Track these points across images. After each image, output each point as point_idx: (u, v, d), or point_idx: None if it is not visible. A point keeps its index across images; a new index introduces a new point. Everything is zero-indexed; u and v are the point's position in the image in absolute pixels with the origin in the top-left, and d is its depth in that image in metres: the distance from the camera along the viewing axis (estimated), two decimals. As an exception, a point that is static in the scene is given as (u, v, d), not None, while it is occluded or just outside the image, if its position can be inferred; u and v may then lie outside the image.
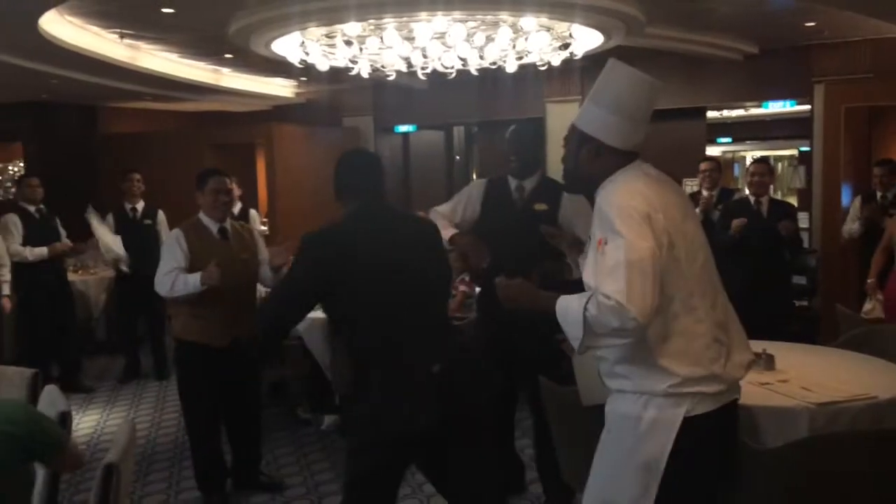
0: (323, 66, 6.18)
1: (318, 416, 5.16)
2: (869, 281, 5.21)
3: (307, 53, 6.01)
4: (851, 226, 5.98)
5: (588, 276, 2.13)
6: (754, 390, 3.07)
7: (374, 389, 2.50)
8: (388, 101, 9.55)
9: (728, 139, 12.98)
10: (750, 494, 2.69)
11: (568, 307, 2.05)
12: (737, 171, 14.11)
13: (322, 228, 2.82)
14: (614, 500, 2.17)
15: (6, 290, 5.49)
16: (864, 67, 6.83)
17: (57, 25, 5.72)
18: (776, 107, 8.81)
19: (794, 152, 12.55)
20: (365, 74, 6.34)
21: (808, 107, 7.52)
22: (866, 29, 6.41)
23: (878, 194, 6.00)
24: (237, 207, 6.60)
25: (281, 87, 9.77)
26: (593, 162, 2.20)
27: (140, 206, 6.34)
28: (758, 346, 3.49)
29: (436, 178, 10.94)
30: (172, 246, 3.80)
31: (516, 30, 5.67)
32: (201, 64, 8.12)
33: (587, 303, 1.99)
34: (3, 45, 6.11)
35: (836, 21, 6.18)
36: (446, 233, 3.47)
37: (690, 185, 8.47)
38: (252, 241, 4.08)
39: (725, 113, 10.96)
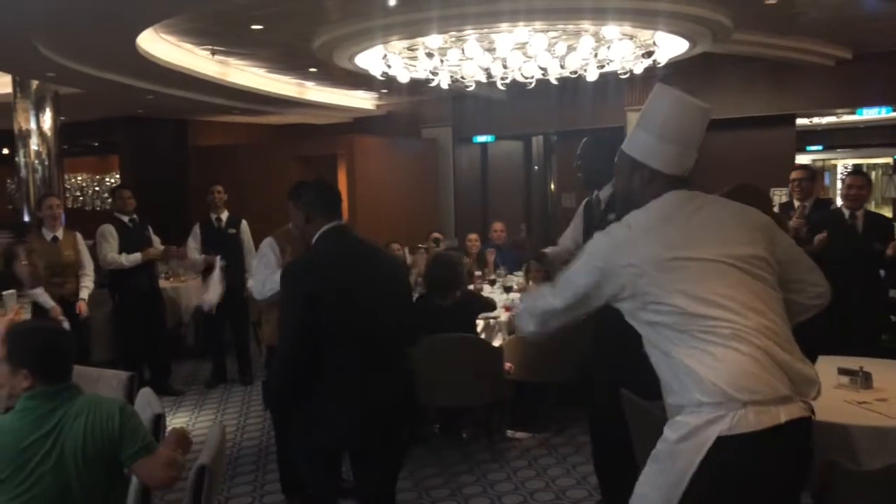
0: (404, 78, 6.28)
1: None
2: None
3: (389, 66, 6.12)
4: None
5: None
6: (851, 409, 2.96)
7: (318, 402, 2.70)
8: (467, 112, 9.61)
9: (819, 147, 12.50)
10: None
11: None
12: (828, 179, 13.59)
13: (298, 260, 3.02)
14: None
15: (85, 294, 5.75)
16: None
17: (153, 43, 6.00)
18: (870, 113, 8.43)
19: (889, 160, 12.00)
20: (445, 86, 6.41)
21: None
22: (971, 30, 6.10)
23: None
24: (224, 214, 6.49)
25: (362, 100, 9.97)
26: (646, 188, 2.17)
27: (224, 216, 6.54)
28: (854, 363, 3.36)
29: (514, 187, 10.94)
30: (266, 253, 3.91)
31: (598, 38, 5.63)
32: (286, 78, 8.37)
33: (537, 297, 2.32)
34: (105, 64, 6.44)
35: (937, 23, 5.90)
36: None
37: (779, 195, 8.20)
38: None
39: (816, 120, 10.56)
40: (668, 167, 2.15)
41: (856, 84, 7.29)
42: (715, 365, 1.96)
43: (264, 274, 3.85)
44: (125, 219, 6.24)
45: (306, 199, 2.91)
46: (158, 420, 2.79)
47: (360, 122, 10.70)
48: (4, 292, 3.32)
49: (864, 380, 3.19)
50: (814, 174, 5.98)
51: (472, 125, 9.94)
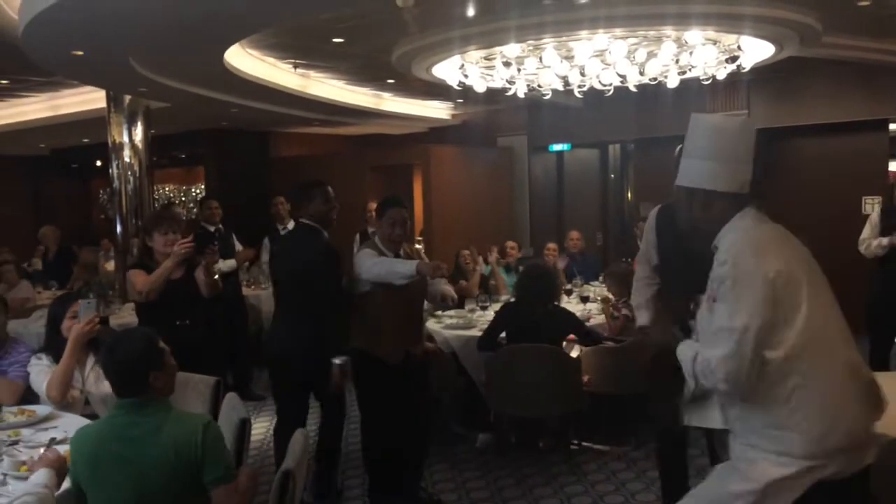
0: (480, 87, 6.29)
1: (473, 433, 5.21)
2: None
3: (466, 76, 6.14)
4: None
5: (699, 325, 2.22)
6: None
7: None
8: (543, 120, 9.56)
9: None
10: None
11: (684, 355, 2.16)
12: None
13: None
14: None
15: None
16: None
17: (239, 58, 6.19)
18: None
19: None
20: (521, 94, 6.39)
21: None
22: None
23: None
24: (290, 224, 6.54)
25: (437, 110, 10.05)
26: (707, 212, 2.17)
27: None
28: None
29: (590, 196, 10.81)
30: (369, 254, 3.96)
31: (680, 44, 5.51)
32: (365, 90, 8.50)
33: (696, 357, 2.09)
34: (193, 78, 6.69)
35: None
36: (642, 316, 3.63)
37: (871, 203, 7.86)
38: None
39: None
40: (723, 184, 2.15)
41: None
42: (808, 420, 1.96)
43: (372, 258, 3.91)
44: (211, 228, 6.45)
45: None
46: (244, 424, 2.85)
47: (436, 132, 10.77)
48: (83, 300, 3.44)
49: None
50: None
51: (548, 134, 9.87)
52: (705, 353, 2.06)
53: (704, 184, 2.17)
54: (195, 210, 10.24)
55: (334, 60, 6.83)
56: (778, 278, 1.99)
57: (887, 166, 8.27)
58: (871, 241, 5.39)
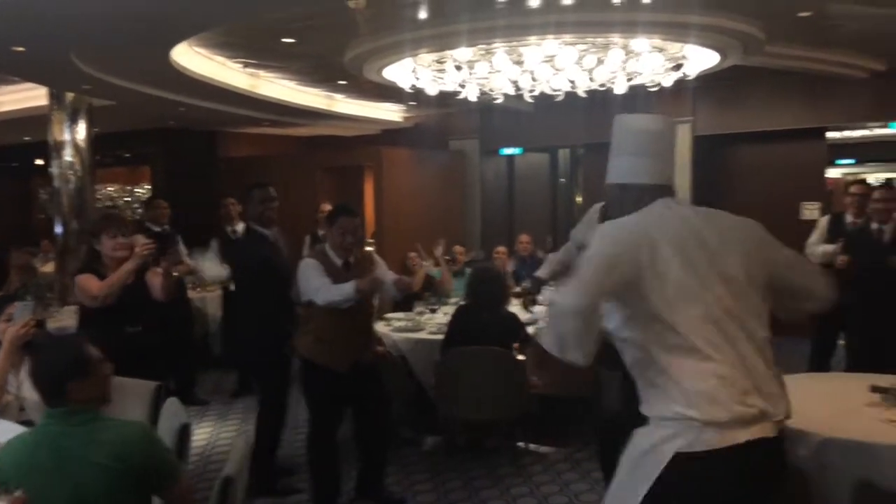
0: (432, 90, 6.30)
1: (420, 436, 5.20)
2: None
3: (417, 78, 6.15)
4: None
5: None
6: (880, 427, 2.89)
7: None
8: (495, 124, 9.62)
9: (851, 160, 12.32)
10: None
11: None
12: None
13: None
14: None
15: None
16: None
17: (186, 56, 6.09)
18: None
19: (923, 175, 11.78)
20: (473, 98, 6.42)
21: None
22: None
23: None
24: (239, 226, 6.44)
25: (390, 112, 10.03)
26: (638, 205, 2.21)
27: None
28: (886, 380, 3.29)
29: (540, 200, 10.91)
30: (314, 267, 3.96)
31: (627, 51, 5.60)
32: (316, 90, 8.44)
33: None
34: (138, 76, 6.56)
35: (975, 35, 5.79)
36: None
37: (810, 209, 8.10)
38: (372, 268, 4.16)
39: (847, 133, 10.40)
40: (650, 177, 2.23)
41: (889, 97, 7.18)
42: (681, 382, 1.99)
43: (319, 280, 3.89)
44: (156, 229, 6.32)
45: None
46: (184, 430, 2.80)
47: (388, 134, 10.75)
48: (20, 303, 3.32)
49: (894, 397, 3.12)
50: (871, 190, 5.83)
51: (500, 138, 9.94)
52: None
53: (636, 178, 2.24)
54: (139, 210, 10.04)
55: (285, 60, 6.78)
56: (627, 249, 2.06)
57: (825, 173, 8.54)
58: (816, 247, 5.54)
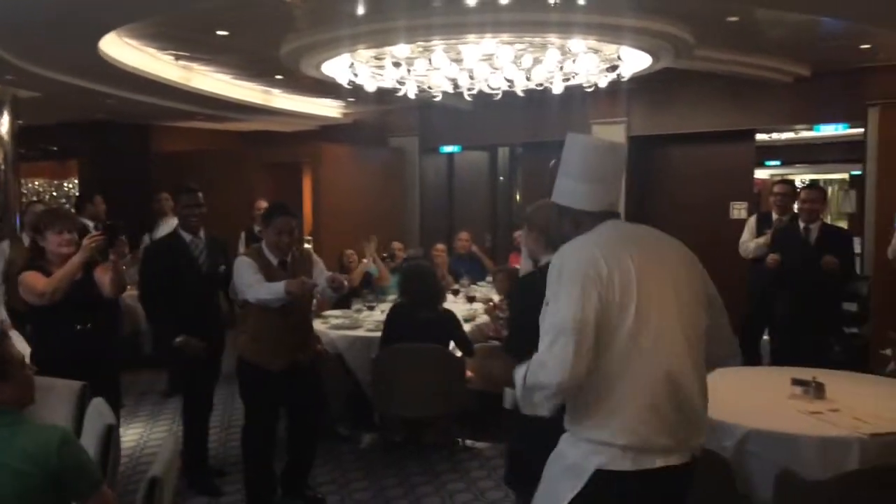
0: (371, 87, 6.26)
1: (357, 433, 5.18)
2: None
3: (356, 75, 6.10)
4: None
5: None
6: (801, 419, 3.01)
7: None
8: (434, 122, 9.62)
9: (777, 162, 12.74)
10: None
11: (517, 375, 2.11)
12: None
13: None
14: None
15: None
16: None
17: (115, 47, 5.91)
18: (828, 130, 8.63)
19: (846, 176, 12.26)
20: (412, 95, 6.41)
21: (860, 130, 7.37)
22: (923, 52, 6.28)
23: None
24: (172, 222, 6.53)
25: (328, 108, 9.93)
26: (576, 230, 2.24)
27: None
28: (806, 373, 3.43)
29: (479, 198, 10.97)
30: (247, 265, 3.90)
31: (564, 52, 5.68)
32: (252, 85, 8.30)
33: (527, 368, 2.06)
34: (65, 67, 6.34)
35: (892, 43, 6.04)
36: None
37: (738, 209, 8.35)
38: (309, 266, 4.13)
39: (775, 136, 10.76)
40: (593, 205, 2.23)
41: (813, 101, 7.44)
42: (609, 406, 2.04)
43: (251, 277, 3.84)
44: (92, 225, 6.15)
45: None
46: (110, 431, 2.73)
47: (327, 130, 10.64)
48: None
49: (816, 390, 3.25)
50: (795, 189, 6.09)
51: (439, 135, 9.95)
52: (536, 356, 2.03)
53: (576, 203, 2.24)
54: (66, 206, 9.71)
55: (219, 53, 6.64)
56: (599, 274, 2.03)
57: (753, 174, 8.80)
58: (749, 244, 5.80)
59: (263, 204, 7.51)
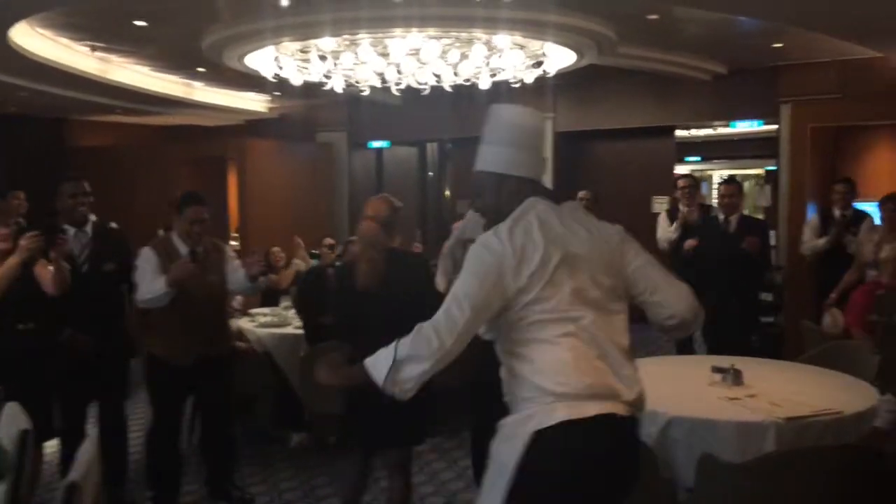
0: (297, 80, 6.18)
1: (286, 433, 5.11)
2: (832, 296, 5.30)
3: (281, 67, 6.01)
4: (815, 242, 6.01)
5: None
6: (722, 405, 3.11)
7: None
8: (363, 117, 9.55)
9: (697, 158, 13.15)
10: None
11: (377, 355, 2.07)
12: (705, 189, 14.27)
13: None
14: None
15: None
16: (830, 88, 6.97)
17: (27, 37, 5.66)
18: (744, 126, 8.95)
19: (761, 171, 12.74)
20: (339, 90, 6.35)
21: (775, 126, 7.66)
22: (832, 50, 6.55)
23: (837, 212, 6.05)
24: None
25: (253, 102, 9.75)
26: (514, 198, 2.21)
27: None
28: (725, 361, 3.55)
29: (409, 194, 10.94)
30: (146, 259, 3.78)
31: (490, 47, 5.72)
32: (173, 77, 8.08)
33: (396, 346, 2.04)
34: (-29, 57, 6.04)
35: (803, 42, 6.31)
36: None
37: (660, 203, 8.58)
38: (222, 260, 4.04)
39: (694, 132, 11.10)
40: (530, 172, 2.23)
41: (730, 98, 7.70)
42: (535, 361, 2.05)
43: (146, 279, 3.71)
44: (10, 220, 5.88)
45: None
46: (25, 436, 2.61)
47: (252, 125, 10.44)
48: None
49: (735, 377, 3.36)
50: (697, 182, 6.33)
51: (368, 131, 9.90)
52: (418, 329, 2.03)
53: (516, 171, 2.22)
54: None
55: (138, 45, 6.43)
56: (511, 254, 2.05)
57: (674, 169, 9.07)
58: (663, 234, 6.00)
59: None
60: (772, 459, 2.63)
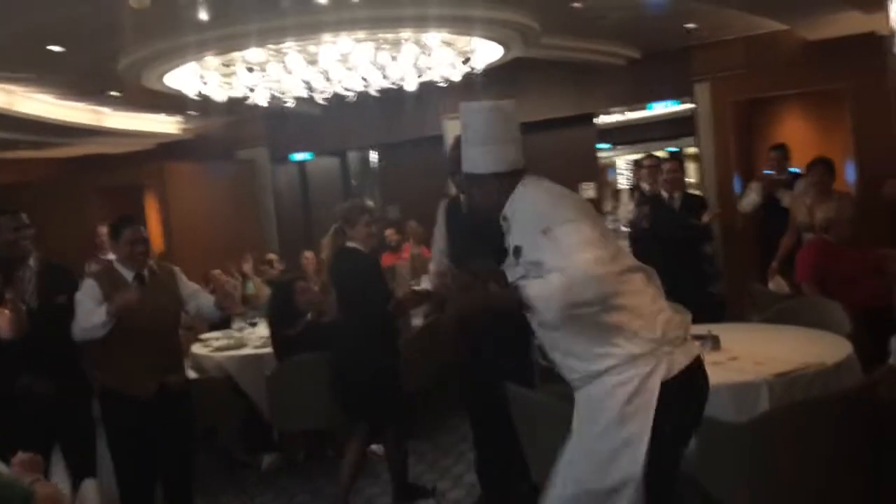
0: (220, 97, 6.00)
1: (257, 456, 4.94)
2: (774, 263, 5.53)
3: (205, 83, 5.82)
4: (749, 196, 6.24)
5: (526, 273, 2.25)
6: (709, 370, 3.16)
7: None
8: (283, 130, 9.37)
9: (607, 145, 13.43)
10: (718, 470, 2.79)
11: (541, 288, 2.11)
12: (611, 174, 14.60)
13: None
14: (598, 485, 2.19)
15: None
16: (740, 63, 7.27)
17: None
18: (660, 107, 9.20)
19: (663, 153, 13.13)
20: (264, 103, 6.20)
21: (680, 108, 7.90)
22: (740, 27, 6.85)
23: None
24: (112, 255, 6.44)
25: (165, 124, 9.38)
26: (491, 194, 2.33)
27: None
28: (699, 329, 3.63)
29: (335, 203, 10.78)
30: (86, 292, 3.58)
31: (420, 45, 5.70)
32: (81, 105, 7.70)
33: (556, 280, 2.07)
34: None
35: (713, 21, 6.56)
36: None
37: (587, 189, 8.76)
38: (173, 282, 3.86)
39: (603, 119, 11.31)
40: (503, 165, 2.32)
41: (646, 81, 7.91)
42: (645, 315, 2.18)
43: (86, 315, 3.52)
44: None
45: None
46: None
47: (166, 148, 10.04)
48: None
49: (713, 342, 3.45)
50: (660, 161, 6.46)
51: (289, 143, 9.72)
52: (574, 270, 2.06)
53: (482, 168, 2.31)
54: None
55: (48, 71, 6.08)
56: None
57: (597, 155, 9.27)
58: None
59: (104, 230, 6.98)
60: (778, 415, 2.72)
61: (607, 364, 2.17)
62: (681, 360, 2.18)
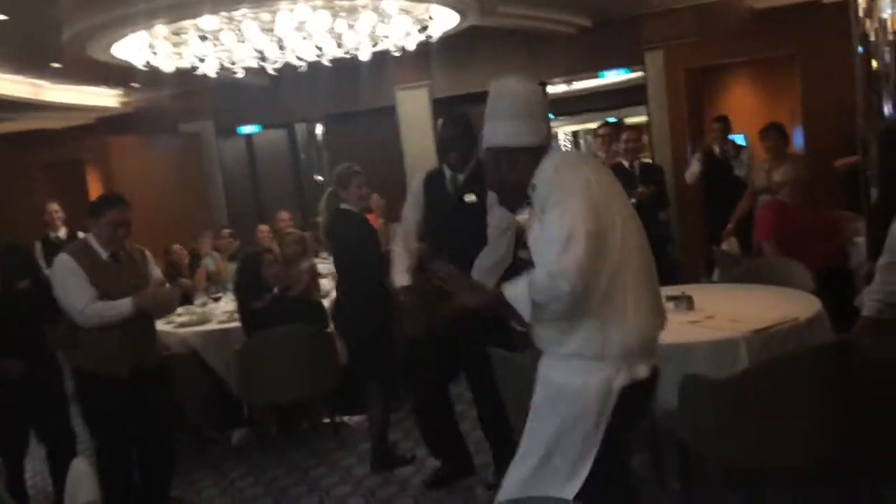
0: (169, 67, 5.80)
1: (227, 432, 4.88)
2: (728, 226, 5.70)
3: (155, 54, 5.61)
4: (693, 167, 6.56)
5: (533, 251, 2.30)
6: (687, 329, 3.26)
7: None
8: (229, 103, 9.10)
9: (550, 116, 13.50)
10: (699, 426, 2.89)
11: (515, 293, 2.15)
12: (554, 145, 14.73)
13: None
14: (556, 464, 2.26)
15: None
16: (690, 31, 7.38)
17: None
18: (607, 78, 9.28)
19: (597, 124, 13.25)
20: (212, 74, 6.01)
21: (623, 77, 7.97)
22: (689, -6, 6.98)
23: (716, 149, 6.55)
24: (62, 231, 6.56)
25: (104, 98, 9.05)
26: (515, 168, 2.30)
27: None
28: (672, 290, 3.72)
29: (284, 177, 10.62)
30: (71, 271, 3.48)
31: (378, 13, 5.60)
32: (20, 77, 7.35)
33: (530, 283, 2.12)
34: None
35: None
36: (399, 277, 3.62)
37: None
38: (144, 263, 3.79)
39: (550, 89, 11.36)
40: (527, 140, 2.30)
41: (597, 49, 7.96)
42: (626, 322, 2.18)
43: (88, 296, 3.47)
44: None
45: None
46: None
47: (105, 122, 9.66)
48: None
49: (687, 302, 3.54)
50: (617, 130, 6.60)
51: (235, 116, 9.46)
52: (540, 271, 2.10)
53: (513, 142, 2.28)
54: None
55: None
56: (594, 185, 2.16)
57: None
58: None
59: (55, 207, 6.81)
60: (759, 370, 2.82)
61: (575, 351, 2.22)
62: (641, 371, 2.22)
